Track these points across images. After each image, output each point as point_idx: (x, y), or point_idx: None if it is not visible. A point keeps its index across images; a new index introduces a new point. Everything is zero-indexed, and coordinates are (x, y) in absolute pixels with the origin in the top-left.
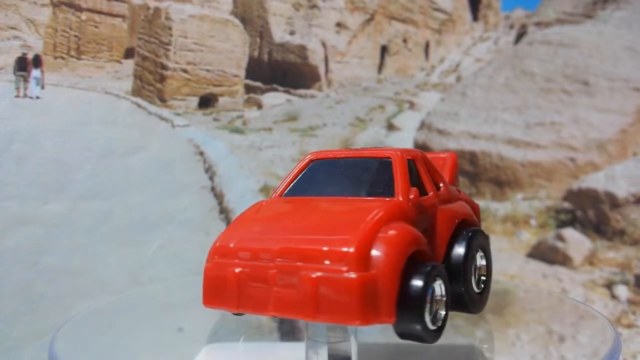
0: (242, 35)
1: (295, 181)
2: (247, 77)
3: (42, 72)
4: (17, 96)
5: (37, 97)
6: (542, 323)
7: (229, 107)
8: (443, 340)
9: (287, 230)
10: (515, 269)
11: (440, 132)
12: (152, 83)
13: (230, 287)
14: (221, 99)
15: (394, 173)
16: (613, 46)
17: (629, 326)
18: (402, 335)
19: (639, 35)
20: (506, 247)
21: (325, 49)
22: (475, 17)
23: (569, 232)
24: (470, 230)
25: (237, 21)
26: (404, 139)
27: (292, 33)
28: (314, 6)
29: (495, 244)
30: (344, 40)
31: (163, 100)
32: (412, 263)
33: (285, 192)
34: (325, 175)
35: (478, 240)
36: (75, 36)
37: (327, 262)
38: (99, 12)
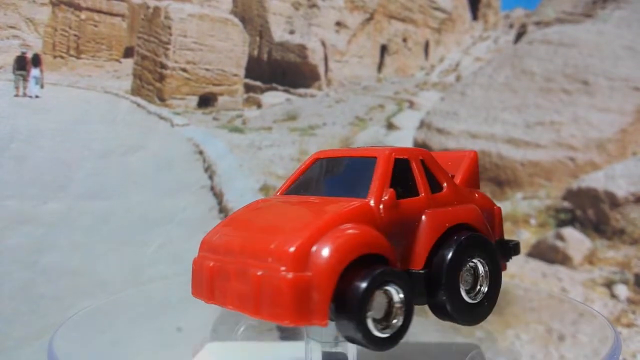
0: (242, 34)
1: (297, 179)
2: (246, 76)
3: (41, 71)
4: (17, 95)
5: (37, 96)
6: (541, 323)
7: (229, 106)
8: (443, 340)
9: (253, 228)
10: (515, 268)
11: (439, 131)
12: (151, 82)
13: (205, 279)
14: (221, 98)
15: (374, 173)
16: (613, 46)
17: (629, 325)
18: (347, 339)
19: (639, 35)
20: None
21: (324, 48)
22: (474, 17)
23: (569, 232)
24: (465, 235)
25: (236, 20)
26: (403, 138)
27: (291, 32)
28: (313, 5)
29: None
30: (343, 39)
31: (162, 100)
32: (361, 266)
33: (287, 190)
34: (321, 175)
35: (471, 247)
36: (75, 35)
37: (270, 260)
38: (99, 11)
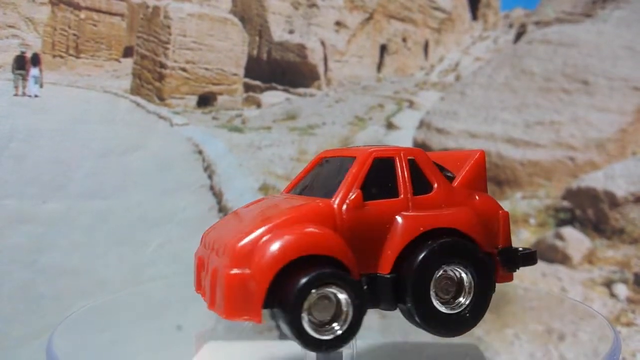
0: (241, 34)
1: (302, 178)
2: (246, 75)
3: (40, 70)
4: (16, 95)
5: (36, 96)
6: (541, 322)
7: (228, 105)
8: (441, 339)
9: (232, 224)
10: None
11: (439, 131)
12: (150, 82)
13: (195, 271)
14: (220, 98)
15: (347, 173)
16: (612, 45)
17: (628, 324)
18: (285, 336)
19: (639, 35)
20: None
21: (324, 48)
22: (474, 16)
23: (568, 231)
24: (440, 240)
25: (236, 20)
26: (403, 138)
27: (291, 32)
28: (313, 5)
29: None
30: (343, 39)
31: (162, 99)
32: (305, 267)
33: (291, 189)
34: (317, 174)
35: (447, 253)
36: (74, 35)
37: (223, 256)
38: (98, 11)
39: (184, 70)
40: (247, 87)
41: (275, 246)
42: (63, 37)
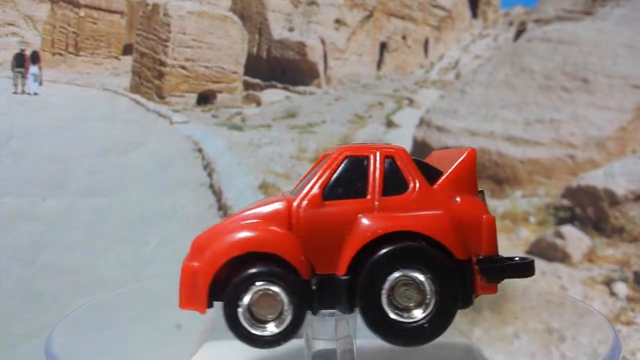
0: (241, 31)
1: (307, 175)
2: (245, 73)
3: (40, 68)
4: (15, 92)
5: (35, 94)
6: (541, 321)
7: (228, 103)
8: (441, 338)
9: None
10: None
11: (439, 129)
12: (150, 80)
13: None
14: (220, 96)
15: (314, 173)
16: (612, 43)
17: (628, 323)
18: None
19: (639, 33)
20: (505, 244)
21: (324, 46)
22: (474, 14)
23: (568, 229)
24: (398, 244)
25: (235, 18)
26: (403, 136)
27: (291, 30)
28: (312, 3)
29: None
30: (343, 37)
31: (161, 97)
32: (253, 264)
33: (297, 186)
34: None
35: (403, 258)
36: (74, 32)
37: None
38: (98, 9)
39: (183, 68)
40: (247, 85)
41: (221, 242)
42: (62, 34)
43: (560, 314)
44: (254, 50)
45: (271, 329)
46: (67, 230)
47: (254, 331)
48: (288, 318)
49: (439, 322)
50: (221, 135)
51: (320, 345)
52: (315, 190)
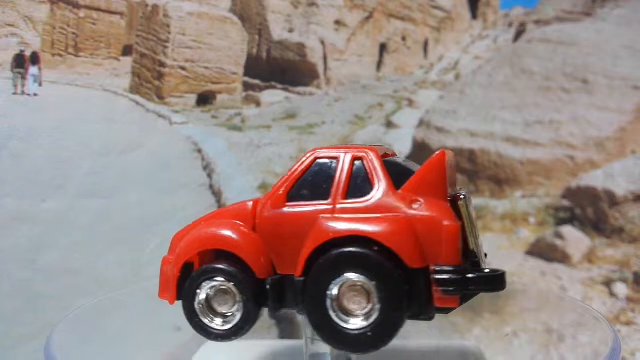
0: (241, 32)
1: None
2: (245, 74)
3: (39, 69)
4: (15, 93)
5: (35, 95)
6: (540, 322)
7: (228, 104)
8: (440, 339)
9: None
10: (514, 266)
11: (439, 130)
12: (150, 80)
13: None
14: (219, 97)
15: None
16: (612, 44)
17: (628, 324)
18: (285, 335)
19: (638, 34)
20: (505, 245)
21: (324, 47)
22: (474, 15)
23: (568, 230)
24: (342, 249)
25: (235, 19)
26: (402, 137)
27: (290, 31)
28: (312, 4)
29: (494, 241)
30: (342, 38)
31: (161, 98)
32: (217, 261)
33: None
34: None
35: (345, 264)
36: (73, 33)
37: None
38: (97, 10)
39: (183, 69)
40: (247, 86)
41: (189, 239)
42: (62, 35)
43: (560, 314)
44: (254, 51)
45: (222, 323)
46: (67, 231)
47: (208, 324)
48: (238, 315)
49: (382, 331)
50: (221, 136)
51: (319, 345)
52: (280, 191)
